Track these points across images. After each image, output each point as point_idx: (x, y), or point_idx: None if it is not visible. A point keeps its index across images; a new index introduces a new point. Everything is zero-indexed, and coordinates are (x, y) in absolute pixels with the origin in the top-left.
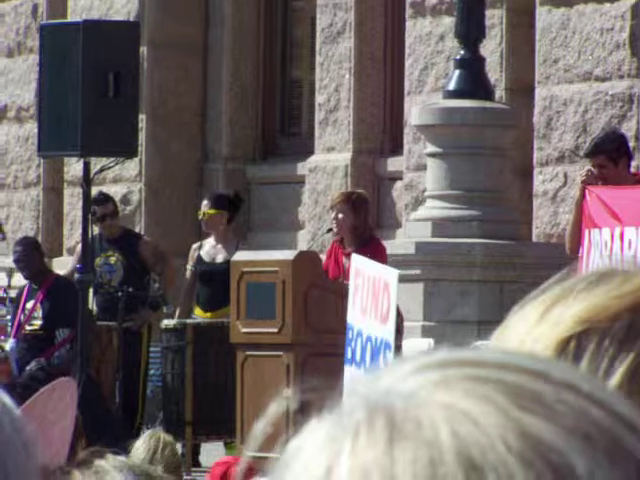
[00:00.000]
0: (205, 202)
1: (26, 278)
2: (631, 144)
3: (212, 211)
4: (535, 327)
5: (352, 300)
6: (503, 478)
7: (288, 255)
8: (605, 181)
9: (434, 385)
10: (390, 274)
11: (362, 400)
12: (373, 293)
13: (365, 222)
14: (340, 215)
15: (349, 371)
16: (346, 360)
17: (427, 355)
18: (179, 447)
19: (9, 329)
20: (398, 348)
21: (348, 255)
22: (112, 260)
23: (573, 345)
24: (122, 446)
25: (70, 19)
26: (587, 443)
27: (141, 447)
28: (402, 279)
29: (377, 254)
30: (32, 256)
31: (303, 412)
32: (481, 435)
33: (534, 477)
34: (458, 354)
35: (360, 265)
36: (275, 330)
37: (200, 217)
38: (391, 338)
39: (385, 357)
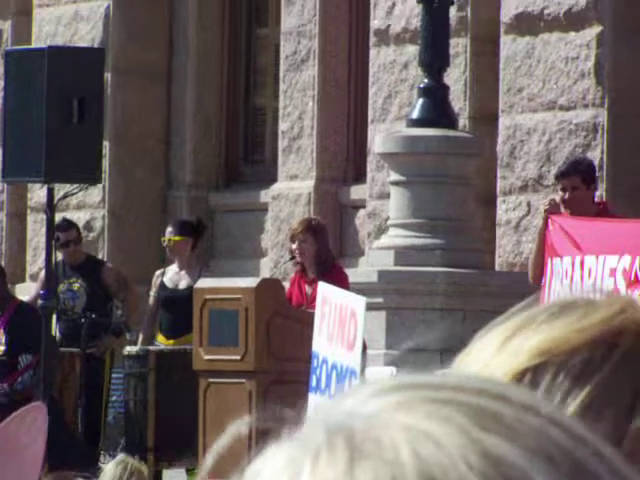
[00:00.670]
0: (170, 229)
1: None
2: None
3: (177, 237)
4: (494, 357)
5: (318, 328)
6: None
7: (251, 282)
8: (573, 205)
9: (394, 407)
10: (357, 302)
11: (322, 423)
12: (340, 320)
13: (326, 248)
14: (302, 243)
15: (313, 399)
16: (310, 388)
17: (388, 379)
18: None
19: None
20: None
21: (311, 283)
22: (75, 287)
23: (529, 378)
24: (85, 471)
25: (35, 45)
26: (549, 463)
27: (109, 472)
28: (365, 307)
29: (339, 281)
30: None
31: (263, 440)
32: (443, 455)
33: None
34: (418, 378)
35: (327, 293)
36: (238, 357)
37: (165, 243)
38: (357, 366)
39: (351, 384)
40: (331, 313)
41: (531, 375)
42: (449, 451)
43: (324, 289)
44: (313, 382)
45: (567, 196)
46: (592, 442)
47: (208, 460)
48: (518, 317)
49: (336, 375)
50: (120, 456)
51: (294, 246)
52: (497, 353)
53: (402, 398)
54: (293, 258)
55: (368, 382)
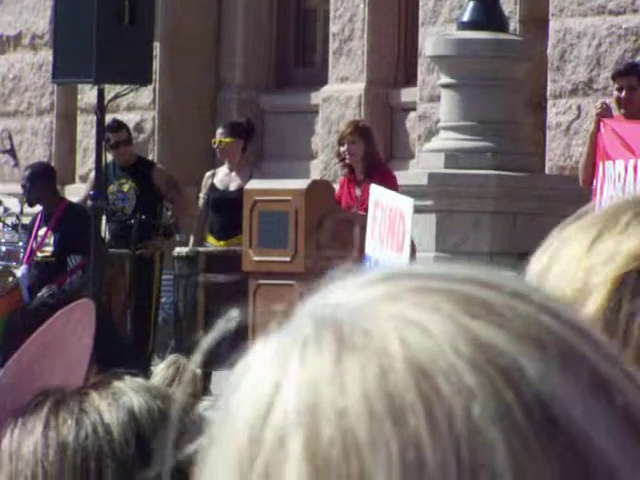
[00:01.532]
0: (220, 130)
1: (29, 204)
2: None
3: (228, 139)
4: (584, 259)
5: (370, 230)
6: (453, 382)
7: (301, 184)
8: (628, 105)
9: (382, 297)
10: (405, 203)
11: (310, 315)
12: (390, 223)
13: (374, 150)
14: (351, 145)
15: None
16: None
17: (377, 270)
18: None
19: (21, 256)
20: None
21: (360, 184)
22: (125, 188)
23: (632, 282)
24: (134, 373)
25: None
26: (538, 348)
27: (161, 373)
28: (415, 210)
29: (388, 182)
30: (39, 182)
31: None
32: (430, 343)
33: (484, 381)
34: (407, 268)
35: (379, 196)
36: (287, 259)
37: (215, 145)
38: None
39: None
40: (382, 216)
41: (635, 279)
42: (437, 339)
43: (376, 192)
44: None
45: (623, 95)
46: (584, 328)
47: (198, 355)
48: (599, 216)
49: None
50: (172, 356)
51: (343, 148)
52: (587, 255)
53: (390, 288)
54: (342, 160)
55: (357, 274)
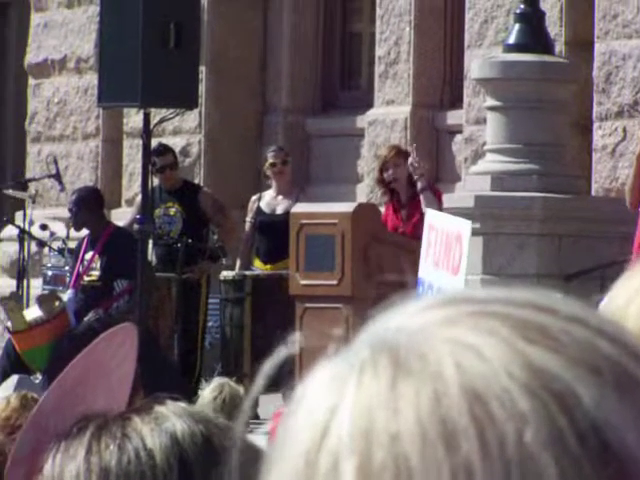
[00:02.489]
0: (275, 153)
1: (76, 229)
2: None
3: (286, 160)
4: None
5: (424, 254)
6: (506, 407)
7: (348, 207)
8: None
9: (440, 322)
10: (463, 225)
11: (368, 340)
12: (446, 245)
13: None
14: (396, 168)
15: None
16: None
17: (437, 295)
18: None
19: (67, 280)
20: None
21: (405, 206)
22: (171, 211)
23: None
24: (177, 397)
25: None
26: (593, 373)
27: (207, 397)
28: (470, 231)
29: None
30: (86, 206)
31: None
32: (485, 368)
33: (537, 406)
34: (465, 293)
35: (433, 220)
36: (334, 282)
37: (275, 166)
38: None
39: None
40: (437, 239)
41: None
42: (492, 363)
43: (430, 216)
44: None
45: None
46: (639, 351)
47: (259, 382)
48: None
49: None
50: (217, 379)
51: (387, 173)
52: None
53: (448, 312)
54: (385, 186)
55: (417, 299)
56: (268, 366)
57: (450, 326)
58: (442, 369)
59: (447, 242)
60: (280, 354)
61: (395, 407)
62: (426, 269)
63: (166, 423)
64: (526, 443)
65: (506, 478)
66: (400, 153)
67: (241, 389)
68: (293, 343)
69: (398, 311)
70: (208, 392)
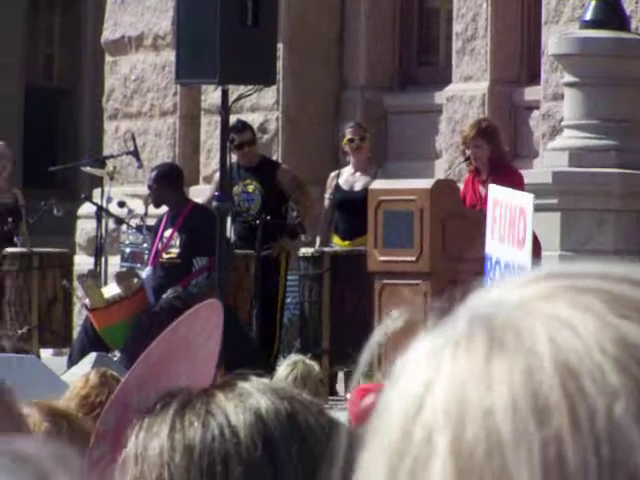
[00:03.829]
0: (353, 129)
1: (155, 205)
2: None
3: (368, 135)
4: None
5: (490, 230)
6: (597, 382)
7: (426, 184)
8: None
9: (537, 297)
10: (525, 199)
11: (466, 314)
12: (510, 220)
13: (500, 150)
14: (475, 149)
15: None
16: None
17: (535, 270)
18: None
19: (146, 257)
20: None
21: (484, 183)
22: (250, 188)
23: None
24: (261, 374)
25: None
26: None
27: (282, 373)
28: (539, 208)
29: (513, 180)
30: (166, 183)
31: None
32: (578, 342)
33: (628, 381)
34: (564, 267)
35: (497, 195)
36: (413, 258)
37: (353, 142)
38: (528, 262)
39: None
40: (502, 214)
41: None
42: (585, 338)
43: (494, 191)
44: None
45: None
46: None
47: (364, 358)
48: None
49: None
50: (292, 357)
51: (468, 151)
52: None
53: (546, 287)
54: (468, 159)
55: (516, 274)
56: (372, 341)
57: (546, 301)
58: (536, 344)
59: (511, 216)
60: (384, 329)
61: (488, 381)
62: (492, 245)
63: (250, 400)
64: (616, 417)
65: (596, 452)
66: (480, 132)
67: (316, 366)
68: (398, 318)
69: (497, 286)
70: (283, 369)
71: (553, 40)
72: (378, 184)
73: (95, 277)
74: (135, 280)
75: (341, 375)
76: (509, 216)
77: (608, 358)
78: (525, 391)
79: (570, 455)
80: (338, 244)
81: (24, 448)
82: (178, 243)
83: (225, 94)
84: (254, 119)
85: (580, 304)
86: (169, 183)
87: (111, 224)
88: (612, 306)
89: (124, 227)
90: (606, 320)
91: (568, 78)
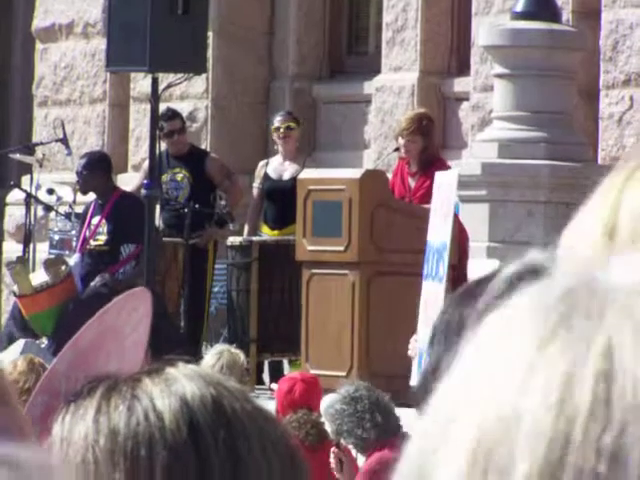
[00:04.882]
0: (282, 117)
1: (83, 192)
2: None
3: (294, 124)
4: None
5: (433, 217)
6: None
7: (355, 173)
8: None
9: None
10: (451, 174)
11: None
12: (443, 199)
13: (432, 144)
14: (410, 142)
15: (426, 286)
16: (424, 276)
17: None
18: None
19: (74, 244)
20: (463, 269)
21: (414, 175)
22: (179, 177)
23: None
24: (189, 360)
25: None
26: None
27: (208, 363)
28: (467, 200)
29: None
30: (95, 171)
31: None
32: None
33: None
34: None
35: (439, 180)
36: (341, 248)
37: (280, 131)
38: (448, 236)
39: (443, 259)
40: (439, 198)
41: None
42: None
43: (437, 177)
44: (425, 270)
45: None
46: None
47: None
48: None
49: (436, 254)
50: (218, 346)
51: (401, 141)
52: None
53: None
54: (397, 149)
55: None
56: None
57: None
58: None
59: (444, 195)
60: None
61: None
62: (432, 232)
63: (176, 385)
64: None
65: None
66: (418, 129)
67: (241, 355)
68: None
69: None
70: (209, 358)
71: (483, 31)
72: (307, 173)
73: (23, 264)
74: (63, 267)
75: (267, 364)
76: (444, 197)
77: None
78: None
79: None
80: (267, 233)
81: (13, 454)
82: (106, 230)
83: (155, 82)
84: (183, 107)
85: None
86: (98, 170)
87: (40, 211)
88: None
89: (53, 214)
90: None
91: (498, 69)
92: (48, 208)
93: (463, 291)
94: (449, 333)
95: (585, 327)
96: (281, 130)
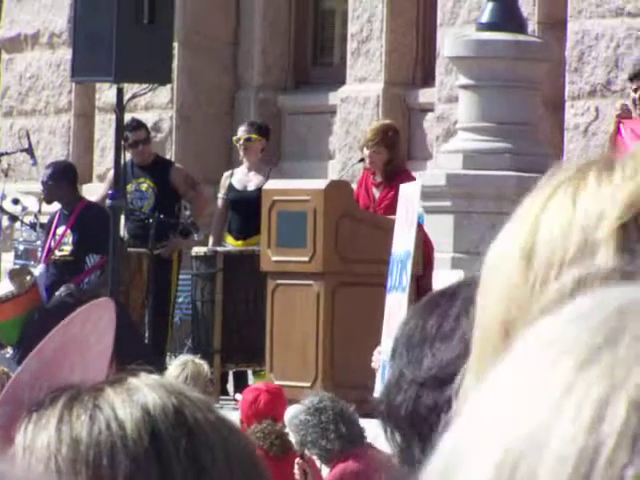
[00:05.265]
0: (245, 128)
1: (48, 202)
2: None
3: (255, 136)
4: (573, 220)
5: (397, 229)
6: None
7: (320, 184)
8: None
9: None
10: (414, 185)
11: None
12: (406, 210)
13: (397, 156)
14: (375, 153)
15: (389, 298)
16: (388, 288)
17: None
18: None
19: (39, 254)
20: (428, 279)
21: (378, 186)
22: (143, 187)
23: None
24: (151, 370)
25: None
26: None
27: (172, 373)
28: (432, 211)
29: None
30: (60, 181)
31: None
32: None
33: None
34: None
35: (403, 192)
36: (306, 259)
37: (240, 142)
38: (412, 244)
39: (406, 269)
40: (404, 209)
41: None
42: None
43: (402, 189)
44: (389, 282)
45: (638, 97)
46: None
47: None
48: (560, 176)
49: (399, 264)
50: (182, 357)
51: (366, 152)
52: (574, 212)
53: None
54: (362, 160)
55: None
56: None
57: None
58: None
59: (407, 207)
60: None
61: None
62: (397, 241)
63: (138, 394)
64: None
65: None
66: (383, 141)
67: (205, 366)
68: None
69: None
70: (173, 368)
71: (448, 42)
72: (272, 184)
73: None
74: (28, 277)
75: (232, 375)
76: (405, 207)
77: None
78: None
79: None
80: (231, 244)
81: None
82: (71, 241)
83: (120, 92)
84: (148, 118)
85: None
86: (63, 180)
87: (5, 221)
88: None
89: (18, 224)
90: None
91: (463, 80)
92: (13, 218)
93: (426, 302)
94: (410, 346)
95: (628, 353)
96: (241, 142)
